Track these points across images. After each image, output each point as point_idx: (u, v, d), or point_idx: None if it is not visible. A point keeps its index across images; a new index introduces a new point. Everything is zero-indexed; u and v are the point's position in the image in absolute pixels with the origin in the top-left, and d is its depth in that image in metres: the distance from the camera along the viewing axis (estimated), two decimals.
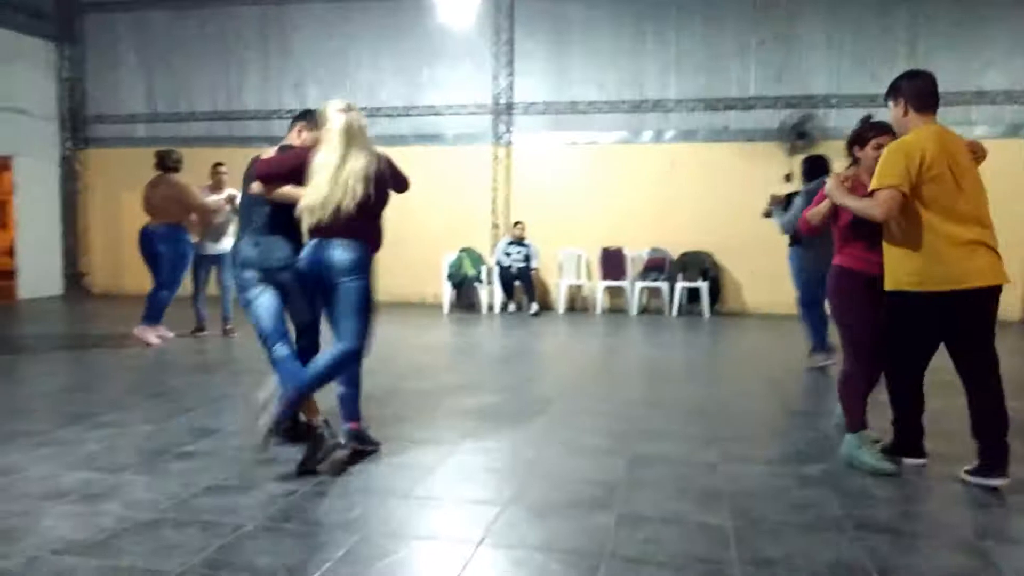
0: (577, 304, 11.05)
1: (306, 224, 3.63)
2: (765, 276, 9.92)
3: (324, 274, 3.59)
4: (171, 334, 7.38)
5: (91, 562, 2.52)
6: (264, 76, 11.80)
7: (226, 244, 7.45)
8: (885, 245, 3.48)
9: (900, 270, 3.40)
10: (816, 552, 2.69)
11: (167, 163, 7.26)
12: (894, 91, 3.53)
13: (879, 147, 3.57)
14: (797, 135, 10.23)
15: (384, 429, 4.18)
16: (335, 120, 3.59)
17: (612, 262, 10.62)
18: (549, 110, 11.02)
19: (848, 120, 10.29)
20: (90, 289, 12.50)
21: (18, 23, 11.55)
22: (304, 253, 3.66)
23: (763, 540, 2.78)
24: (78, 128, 12.40)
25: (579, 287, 10.98)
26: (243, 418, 4.44)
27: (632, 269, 10.63)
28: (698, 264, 10.43)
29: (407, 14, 11.22)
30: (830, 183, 3.70)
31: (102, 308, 10.70)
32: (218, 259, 7.47)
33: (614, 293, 10.88)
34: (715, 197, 10.52)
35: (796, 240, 6.15)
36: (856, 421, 3.67)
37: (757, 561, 2.60)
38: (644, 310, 10.71)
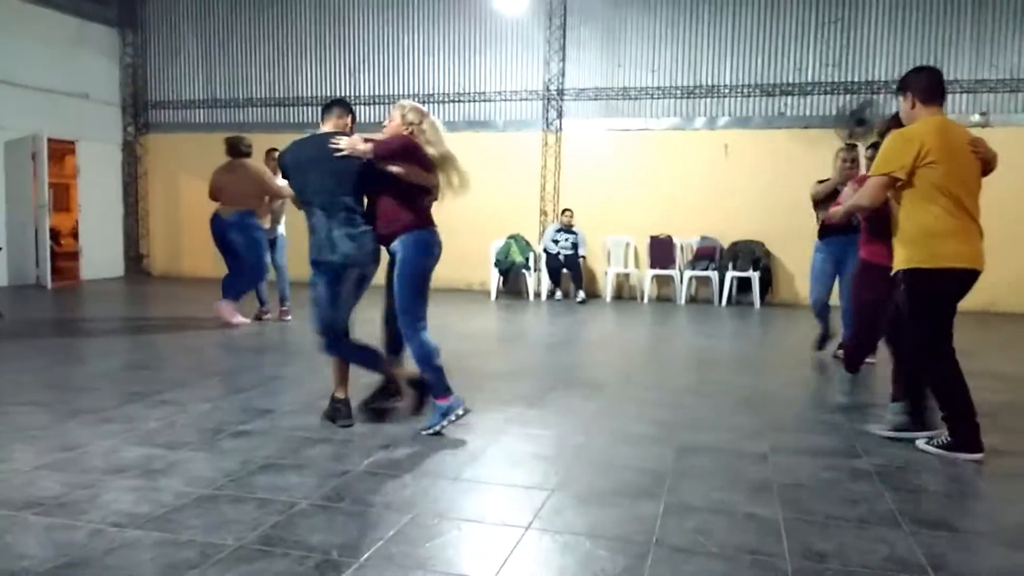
0: (624, 292, 10.98)
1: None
2: None
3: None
4: (247, 320, 7.43)
5: (151, 535, 2.61)
6: (319, 63, 11.96)
7: (280, 228, 7.59)
8: (895, 231, 3.71)
9: (903, 252, 3.63)
10: (869, 546, 2.64)
11: (241, 148, 7.21)
12: (903, 86, 3.72)
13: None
14: (856, 121, 9.97)
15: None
16: (432, 118, 4.00)
17: (661, 250, 10.52)
18: (600, 96, 10.94)
19: None
20: (149, 271, 12.88)
21: (83, 11, 11.90)
22: (434, 241, 3.96)
23: (814, 533, 2.74)
24: (139, 113, 12.74)
25: (627, 275, 10.91)
26: (294, 398, 4.55)
27: (682, 257, 10.52)
28: (749, 253, 10.26)
29: (462, 1, 11.23)
30: (847, 191, 4.30)
31: (161, 289, 11.02)
32: (274, 242, 7.59)
33: (662, 282, 10.79)
34: (769, 185, 10.32)
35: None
36: (852, 367, 4.79)
37: (808, 554, 2.57)
38: (693, 299, 10.60)
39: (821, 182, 6.02)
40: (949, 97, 9.79)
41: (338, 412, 4.01)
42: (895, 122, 3.90)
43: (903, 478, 3.37)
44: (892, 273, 3.74)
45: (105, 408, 4.25)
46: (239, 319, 7.23)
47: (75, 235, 12.59)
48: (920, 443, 3.76)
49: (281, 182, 7.41)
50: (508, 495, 3.12)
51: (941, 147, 3.47)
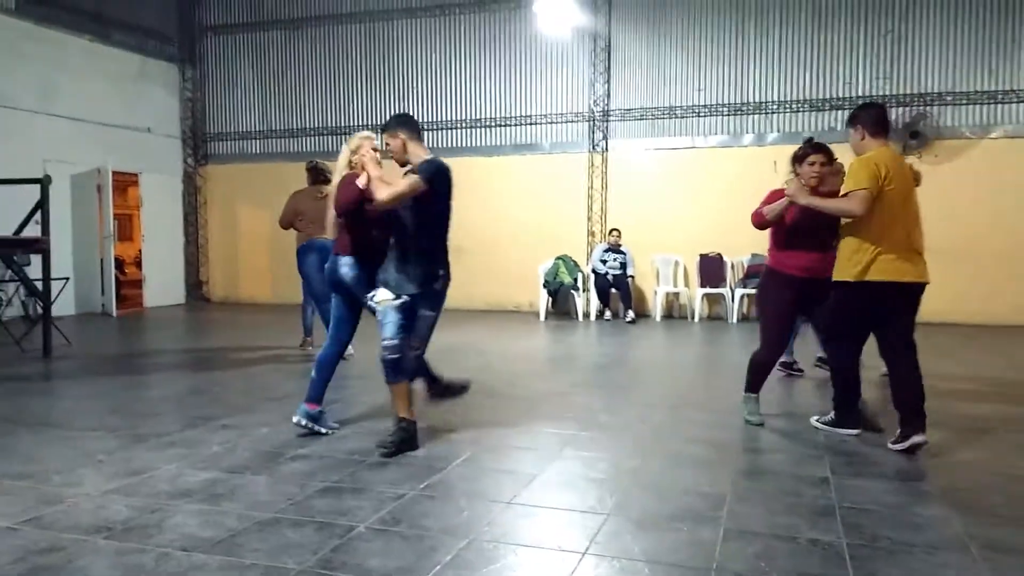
0: (675, 311, 10.89)
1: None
2: None
3: None
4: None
5: (216, 559, 2.68)
6: (370, 91, 12.22)
7: None
8: (842, 243, 4.11)
9: (851, 262, 4.01)
10: (937, 573, 2.56)
11: (327, 175, 6.65)
12: (853, 119, 4.23)
13: (813, 164, 4.39)
14: (910, 134, 9.78)
15: (484, 436, 4.27)
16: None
17: (711, 268, 10.42)
18: (646, 116, 10.94)
19: (964, 119, 9.79)
20: (209, 297, 13.25)
21: (146, 48, 12.41)
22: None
23: (880, 560, 2.67)
24: (198, 145, 13.18)
25: (676, 294, 10.82)
26: (350, 421, 4.62)
27: (732, 276, 10.39)
28: None
29: (506, 25, 11.40)
30: (794, 186, 4.34)
31: (221, 316, 11.31)
32: None
33: (713, 300, 10.66)
34: None
35: None
36: (753, 385, 4.66)
37: None
38: (745, 318, 10.45)
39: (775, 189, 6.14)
40: (1008, 107, 9.65)
41: (413, 436, 4.06)
42: (810, 148, 4.47)
43: (970, 500, 3.27)
44: (843, 280, 4.09)
45: (169, 432, 4.38)
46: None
47: (138, 264, 13.03)
48: (812, 420, 4.53)
49: None
50: (564, 519, 3.11)
51: (896, 173, 3.98)
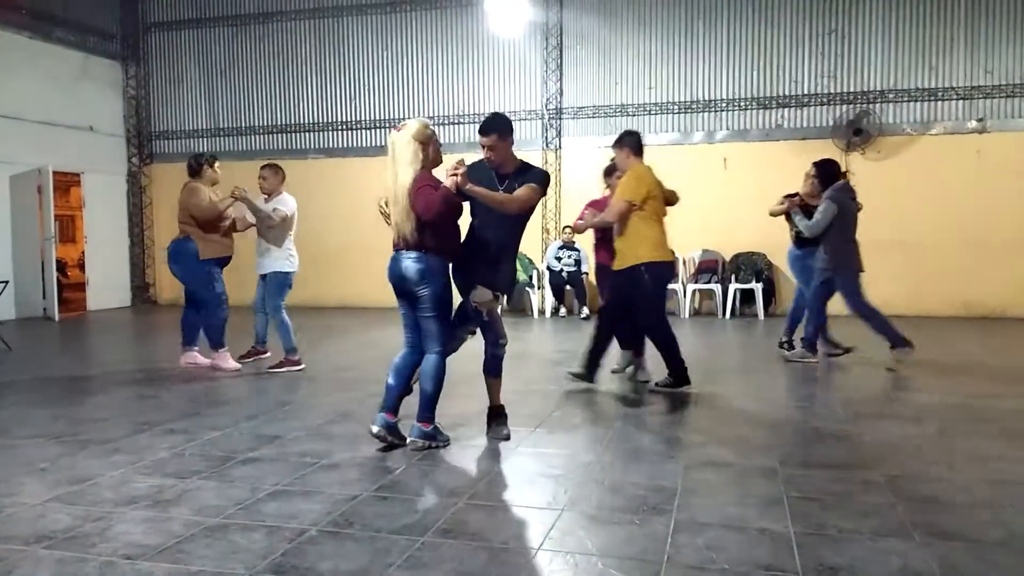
0: None
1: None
2: None
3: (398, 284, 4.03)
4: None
5: (162, 567, 2.61)
6: (320, 89, 12.06)
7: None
8: (621, 240, 5.36)
9: (638, 251, 5.25)
10: (882, 560, 2.63)
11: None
12: (620, 143, 5.45)
13: (619, 178, 5.52)
14: (854, 131, 10.01)
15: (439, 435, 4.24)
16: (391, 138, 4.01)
17: None
18: (598, 114, 11.01)
19: (905, 115, 10.06)
20: (156, 300, 12.94)
21: (87, 45, 12.06)
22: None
23: (827, 547, 2.73)
24: (143, 144, 12.86)
25: None
26: (302, 424, 4.56)
27: (684, 271, 10.52)
28: (752, 265, 10.27)
29: (458, 24, 11.36)
30: (588, 215, 5.73)
31: (167, 318, 11.05)
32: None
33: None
34: (768, 197, 10.20)
35: (812, 242, 6.43)
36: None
37: (821, 569, 2.56)
38: (697, 312, 10.60)
39: (790, 196, 6.66)
40: (947, 104, 9.92)
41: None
42: (615, 168, 5.67)
43: (914, 488, 3.36)
44: (627, 267, 5.29)
45: (114, 439, 4.26)
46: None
47: (81, 266, 12.66)
48: (651, 384, 5.57)
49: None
50: (519, 515, 3.11)
51: (655, 185, 5.31)
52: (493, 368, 4.27)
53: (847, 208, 6.22)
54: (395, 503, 3.22)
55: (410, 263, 3.89)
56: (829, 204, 6.15)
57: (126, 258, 12.82)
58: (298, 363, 6.42)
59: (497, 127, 4.01)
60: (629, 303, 5.40)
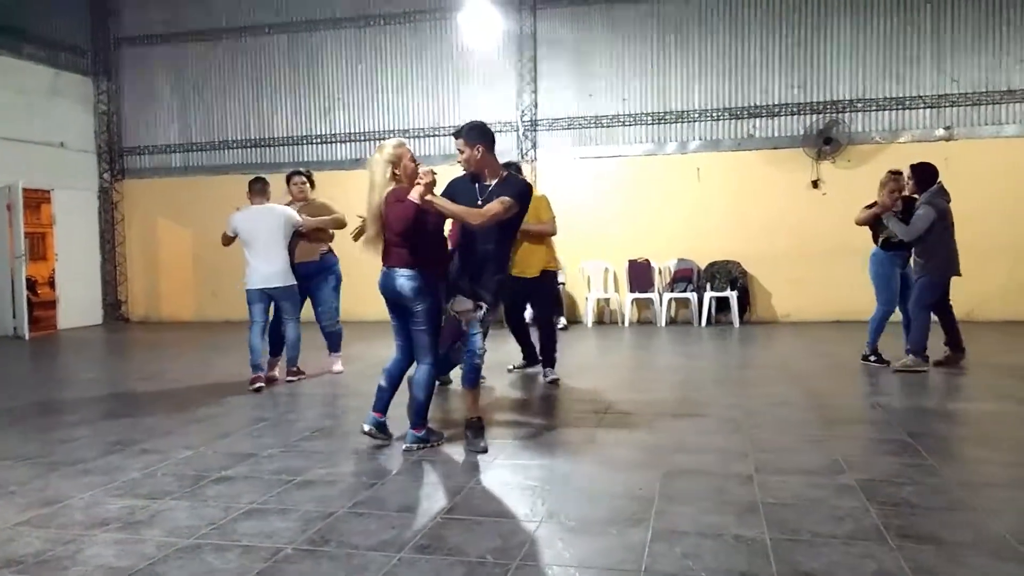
0: (605, 317, 11.03)
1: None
2: (807, 283, 10.12)
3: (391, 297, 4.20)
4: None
5: None
6: (294, 103, 12.01)
7: None
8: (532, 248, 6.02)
9: (541, 262, 6.15)
10: (857, 563, 2.66)
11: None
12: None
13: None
14: (824, 140, 10.16)
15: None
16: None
17: (640, 274, 10.60)
18: (573, 125, 11.07)
19: (874, 124, 10.23)
20: (128, 317, 12.76)
21: (57, 61, 11.93)
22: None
23: (802, 552, 2.75)
24: (115, 160, 12.71)
25: (607, 300, 10.96)
26: (277, 441, 4.52)
27: (660, 280, 10.59)
28: (727, 273, 10.36)
29: (433, 37, 11.38)
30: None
31: (140, 335, 10.92)
32: None
33: (642, 305, 10.84)
34: (742, 205, 10.46)
35: (903, 246, 6.40)
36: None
37: (797, 574, 2.58)
38: (673, 321, 10.66)
39: (868, 207, 6.53)
40: (915, 112, 10.04)
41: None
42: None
43: (887, 492, 3.39)
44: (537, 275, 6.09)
45: (85, 460, 4.19)
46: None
47: (52, 284, 12.46)
48: (543, 377, 6.30)
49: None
50: (497, 528, 3.10)
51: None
52: (471, 379, 4.30)
53: (945, 212, 6.21)
54: (372, 519, 3.20)
55: (404, 281, 4.05)
56: (928, 209, 6.12)
57: (98, 275, 12.64)
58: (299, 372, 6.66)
59: (463, 131, 4.21)
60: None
